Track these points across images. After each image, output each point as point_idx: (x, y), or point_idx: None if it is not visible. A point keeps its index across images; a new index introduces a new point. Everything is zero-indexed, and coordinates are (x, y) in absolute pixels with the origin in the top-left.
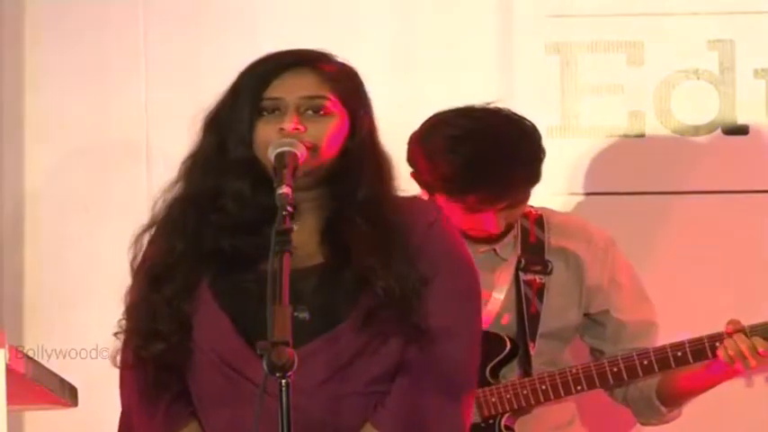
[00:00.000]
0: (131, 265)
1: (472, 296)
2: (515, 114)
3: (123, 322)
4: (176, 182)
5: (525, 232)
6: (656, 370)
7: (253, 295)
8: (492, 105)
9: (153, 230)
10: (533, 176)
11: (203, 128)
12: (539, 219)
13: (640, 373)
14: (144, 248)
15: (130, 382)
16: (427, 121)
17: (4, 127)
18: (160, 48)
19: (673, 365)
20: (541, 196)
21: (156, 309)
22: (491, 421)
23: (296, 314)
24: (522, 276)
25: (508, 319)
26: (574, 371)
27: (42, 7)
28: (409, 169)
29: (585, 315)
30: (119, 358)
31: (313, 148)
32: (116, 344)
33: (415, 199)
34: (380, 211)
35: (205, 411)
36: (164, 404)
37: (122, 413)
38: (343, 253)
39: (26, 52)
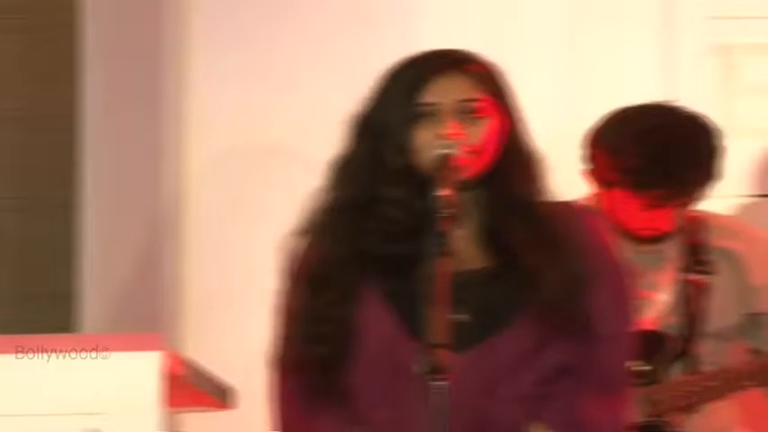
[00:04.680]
0: (286, 271)
1: (630, 300)
2: (695, 112)
3: (279, 328)
4: (329, 187)
5: (688, 233)
6: None
7: (418, 298)
8: (671, 103)
9: (307, 235)
10: (714, 174)
11: (353, 132)
12: (700, 220)
13: None
14: (299, 254)
15: (290, 387)
16: (609, 116)
17: (165, 129)
18: (324, 50)
19: None
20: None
21: (320, 313)
22: (659, 420)
23: (456, 317)
24: (686, 277)
25: (673, 319)
26: (745, 366)
27: (205, 8)
28: (564, 169)
29: (749, 316)
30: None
31: (473, 152)
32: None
33: (568, 203)
34: (539, 212)
35: (372, 412)
36: (328, 410)
37: (278, 420)
38: (506, 255)
39: (189, 53)
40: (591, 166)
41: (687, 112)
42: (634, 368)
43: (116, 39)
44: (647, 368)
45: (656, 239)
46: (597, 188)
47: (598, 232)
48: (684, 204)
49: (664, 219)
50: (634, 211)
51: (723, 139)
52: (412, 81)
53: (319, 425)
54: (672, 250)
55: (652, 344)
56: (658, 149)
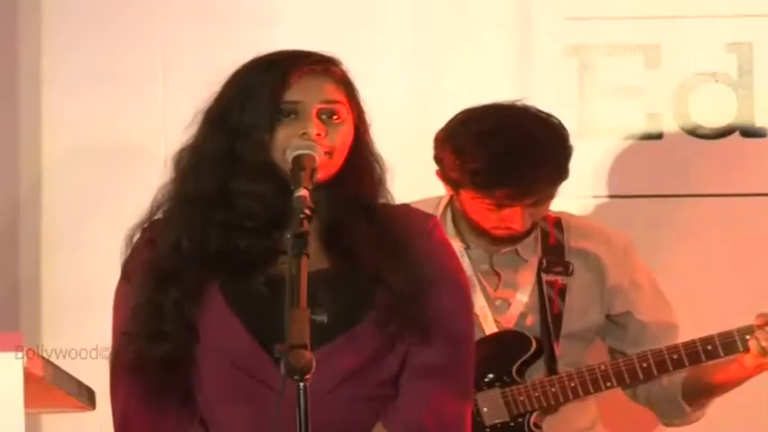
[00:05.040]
0: (128, 265)
1: (471, 305)
2: (542, 112)
3: (119, 324)
4: (175, 179)
5: (545, 234)
6: (687, 364)
7: (264, 298)
8: (519, 103)
9: (148, 230)
10: (561, 173)
11: (206, 124)
12: (557, 221)
13: (670, 368)
14: (137, 248)
15: (130, 385)
16: (455, 117)
17: (22, 127)
18: (177, 48)
19: (703, 359)
20: (558, 198)
21: (163, 309)
22: (520, 420)
23: (314, 317)
24: (544, 277)
25: (532, 320)
26: (603, 367)
27: (59, 6)
28: (426, 167)
29: (606, 317)
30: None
31: (330, 154)
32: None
33: (409, 207)
34: (381, 215)
35: (216, 413)
36: (171, 409)
37: (120, 418)
38: (348, 257)
39: (43, 52)
40: (440, 168)
41: (532, 112)
42: (487, 369)
43: None
44: (506, 368)
45: (512, 239)
46: (447, 189)
47: (441, 238)
48: (533, 204)
49: (515, 218)
50: (483, 211)
51: (570, 139)
52: (276, 78)
53: (161, 425)
54: (529, 251)
55: (511, 344)
56: (500, 150)
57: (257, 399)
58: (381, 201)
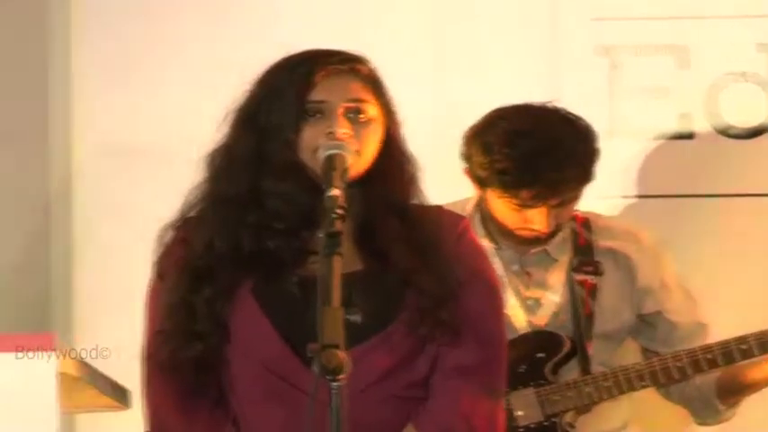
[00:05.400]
0: (160, 264)
1: (502, 305)
2: (571, 113)
3: (151, 323)
4: (207, 179)
5: (574, 234)
6: (721, 364)
7: (295, 299)
8: (549, 104)
9: (181, 229)
10: (587, 175)
11: (237, 124)
12: (585, 221)
13: (705, 368)
14: (170, 247)
15: (164, 385)
16: (485, 116)
17: (52, 129)
18: (208, 48)
19: (738, 359)
20: (589, 199)
21: (196, 309)
22: (554, 419)
23: (348, 317)
24: (575, 277)
25: (564, 319)
26: (637, 367)
27: (87, 7)
28: (452, 168)
29: (637, 316)
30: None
31: (357, 152)
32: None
33: (441, 209)
34: (412, 216)
35: (248, 413)
36: (204, 409)
37: (153, 417)
38: (381, 258)
39: (73, 51)
40: (467, 165)
41: (562, 114)
42: (520, 368)
43: (3, 39)
44: (539, 368)
45: (538, 240)
46: (474, 186)
47: (472, 240)
48: (558, 206)
49: (540, 218)
50: (508, 211)
51: (597, 141)
52: (302, 78)
53: (195, 425)
54: (559, 251)
55: (545, 343)
56: (529, 150)
57: (289, 401)
58: (414, 201)
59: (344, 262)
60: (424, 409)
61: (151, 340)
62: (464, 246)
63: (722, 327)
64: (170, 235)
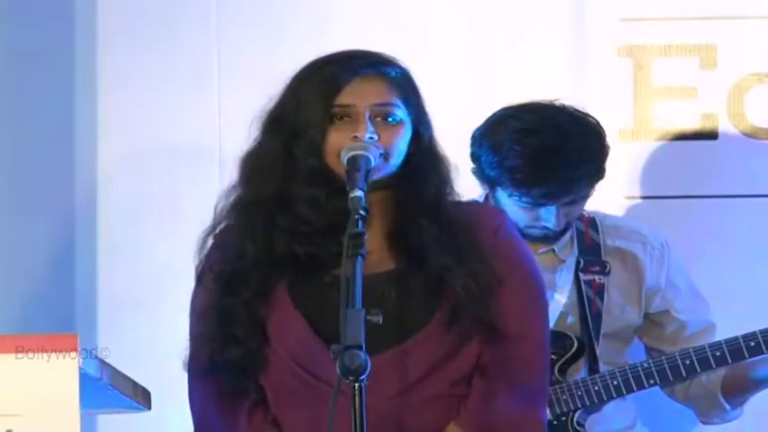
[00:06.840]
0: (197, 270)
1: (543, 300)
2: (580, 111)
3: (192, 328)
4: (239, 184)
5: (580, 234)
6: (730, 361)
7: (329, 298)
8: (557, 101)
9: (217, 234)
10: (598, 172)
11: (266, 129)
12: (592, 221)
13: (713, 365)
14: (208, 253)
15: (205, 389)
16: (493, 116)
17: (78, 130)
18: (233, 50)
19: (746, 355)
20: (614, 199)
21: (232, 313)
22: (563, 418)
23: (369, 318)
24: (582, 277)
25: (572, 319)
26: (645, 365)
27: (115, 10)
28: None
29: (645, 315)
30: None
31: (385, 156)
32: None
33: (476, 204)
34: (447, 214)
35: (282, 412)
36: (244, 411)
37: (198, 421)
38: (415, 257)
39: (99, 55)
40: (476, 166)
41: (570, 111)
42: None
43: (28, 40)
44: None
45: (546, 239)
46: (483, 187)
47: (509, 233)
48: (569, 204)
49: (549, 217)
50: (518, 209)
51: (606, 139)
52: (328, 82)
53: (237, 427)
54: (566, 251)
55: (553, 343)
56: (539, 148)
57: (319, 399)
58: (449, 200)
59: (377, 261)
60: (465, 408)
61: (192, 345)
62: (501, 240)
63: (731, 329)
64: (206, 240)
